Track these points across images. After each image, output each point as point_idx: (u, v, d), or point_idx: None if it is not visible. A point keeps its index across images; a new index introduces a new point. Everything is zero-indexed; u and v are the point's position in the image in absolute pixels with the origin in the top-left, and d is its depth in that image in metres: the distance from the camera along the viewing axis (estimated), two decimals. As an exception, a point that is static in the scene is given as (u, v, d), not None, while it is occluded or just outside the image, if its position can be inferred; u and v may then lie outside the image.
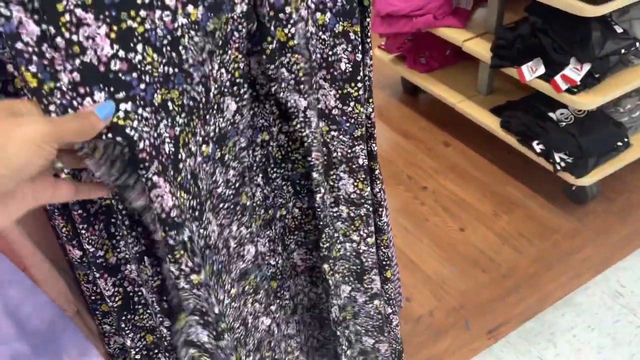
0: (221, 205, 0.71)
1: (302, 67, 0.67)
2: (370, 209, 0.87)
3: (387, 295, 0.99)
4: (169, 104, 0.57)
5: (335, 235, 0.86)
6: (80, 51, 0.49)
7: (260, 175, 0.76)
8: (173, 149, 0.58)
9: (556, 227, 1.90)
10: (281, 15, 0.62)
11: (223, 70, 0.64)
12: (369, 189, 0.84)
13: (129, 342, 0.74)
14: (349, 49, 0.71)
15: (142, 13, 0.51)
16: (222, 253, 0.73)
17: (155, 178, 0.55)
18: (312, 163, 0.73)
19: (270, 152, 0.76)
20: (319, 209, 0.78)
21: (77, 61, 0.49)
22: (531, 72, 1.79)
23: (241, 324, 0.81)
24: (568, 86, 1.69)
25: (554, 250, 1.83)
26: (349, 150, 0.80)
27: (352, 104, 0.75)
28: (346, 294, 0.92)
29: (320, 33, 0.69)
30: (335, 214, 0.85)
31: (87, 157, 0.52)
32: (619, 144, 1.82)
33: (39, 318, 0.64)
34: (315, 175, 0.74)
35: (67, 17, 0.48)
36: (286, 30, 0.64)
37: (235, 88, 0.67)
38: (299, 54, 0.66)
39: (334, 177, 0.82)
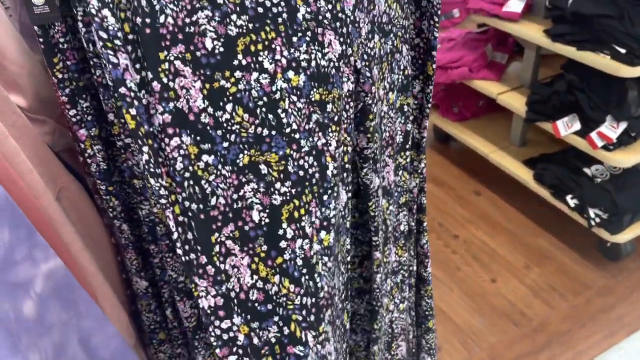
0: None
1: (378, 145, 0.70)
2: (407, 274, 0.88)
3: (428, 346, 1.00)
4: (262, 166, 0.57)
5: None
6: (175, 97, 0.54)
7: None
8: (268, 220, 0.58)
9: (589, 283, 1.89)
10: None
11: (341, 150, 0.62)
12: (407, 254, 0.87)
13: (200, 359, 0.76)
14: (402, 121, 0.75)
15: (237, 74, 0.55)
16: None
17: (229, 243, 0.58)
18: (375, 243, 0.75)
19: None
20: (377, 290, 0.79)
21: (171, 105, 0.54)
22: (567, 127, 1.81)
23: None
24: (604, 143, 1.71)
25: (587, 307, 1.81)
26: (395, 220, 0.82)
27: (401, 172, 0.78)
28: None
29: (390, 112, 0.73)
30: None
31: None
32: (655, 202, 1.82)
33: (107, 348, 0.67)
34: (377, 255, 0.75)
35: (166, 65, 0.53)
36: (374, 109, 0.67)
37: (345, 175, 0.64)
38: (377, 133, 0.69)
39: (387, 251, 0.83)
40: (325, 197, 0.60)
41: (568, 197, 1.89)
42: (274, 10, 0.55)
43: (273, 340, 0.61)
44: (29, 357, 0.55)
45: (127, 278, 0.76)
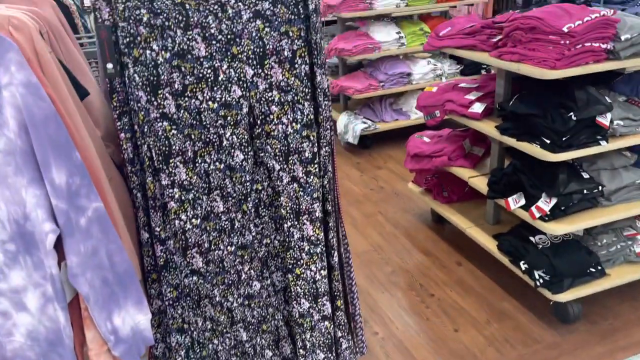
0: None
1: (279, 147, 1.24)
2: (324, 250, 1.36)
3: (338, 321, 1.43)
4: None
5: (300, 261, 1.35)
6: (163, 114, 1.12)
7: (254, 209, 1.30)
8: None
9: (539, 338, 2.18)
10: (267, 118, 1.21)
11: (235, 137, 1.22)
12: (322, 235, 1.35)
13: (164, 290, 1.25)
14: (310, 146, 1.28)
15: (186, 100, 1.13)
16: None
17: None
18: (282, 204, 1.26)
19: (261, 198, 1.30)
20: (288, 237, 1.29)
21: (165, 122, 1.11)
22: (515, 202, 2.23)
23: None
24: (540, 215, 2.11)
25: (533, 357, 2.10)
26: (310, 206, 1.32)
27: (311, 177, 1.30)
28: (305, 308, 1.38)
29: (297, 134, 1.27)
30: (301, 247, 1.35)
31: None
32: (592, 269, 2.15)
33: (121, 266, 1.18)
34: (283, 212, 1.27)
35: (160, 96, 1.11)
36: (271, 126, 1.22)
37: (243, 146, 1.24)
38: (277, 140, 1.23)
39: (301, 223, 1.34)
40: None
41: (521, 263, 2.26)
42: (207, 74, 1.13)
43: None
44: (80, 246, 1.08)
45: (137, 231, 1.29)
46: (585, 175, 2.15)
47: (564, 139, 2.01)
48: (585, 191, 2.09)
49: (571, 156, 2.04)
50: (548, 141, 2.06)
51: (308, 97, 1.24)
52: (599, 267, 2.17)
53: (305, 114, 1.25)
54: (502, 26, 2.22)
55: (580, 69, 2.00)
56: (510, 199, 2.25)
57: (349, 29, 4.37)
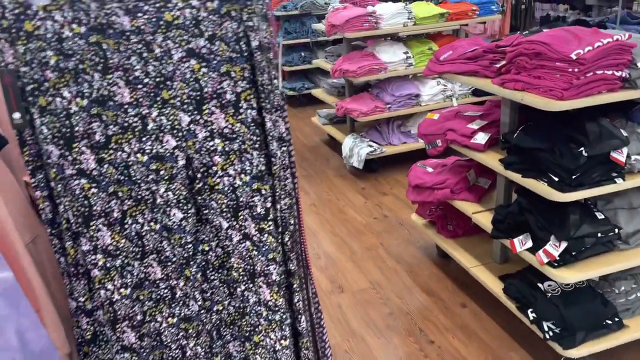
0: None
1: (226, 202, 1.07)
2: (284, 317, 1.18)
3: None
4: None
5: (258, 327, 1.17)
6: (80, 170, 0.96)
7: (200, 273, 1.13)
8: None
9: (549, 398, 1.95)
10: (210, 171, 1.05)
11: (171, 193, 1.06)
12: (281, 300, 1.17)
13: None
14: (263, 201, 1.10)
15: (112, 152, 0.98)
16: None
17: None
18: (233, 266, 1.09)
19: (209, 260, 1.13)
20: (243, 302, 1.11)
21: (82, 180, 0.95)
22: (521, 244, 2.02)
23: None
24: (548, 260, 1.89)
25: (541, 420, 1.87)
26: (265, 268, 1.15)
27: (265, 235, 1.12)
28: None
29: (246, 187, 1.09)
30: (258, 312, 1.17)
31: None
32: (609, 322, 1.91)
33: (37, 344, 1.02)
34: (235, 274, 1.10)
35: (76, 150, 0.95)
36: (215, 179, 1.05)
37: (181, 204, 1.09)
38: (223, 194, 1.06)
39: (257, 286, 1.16)
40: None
41: (529, 311, 2.03)
42: (133, 123, 0.97)
43: None
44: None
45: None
46: (600, 216, 1.92)
47: (573, 177, 1.80)
48: (599, 234, 1.86)
49: (582, 196, 1.82)
50: (556, 179, 1.84)
51: (257, 145, 1.07)
52: (616, 319, 1.93)
53: (255, 164, 1.08)
54: (505, 51, 2.02)
55: (591, 99, 1.79)
56: (516, 241, 2.03)
57: (355, 48, 4.21)
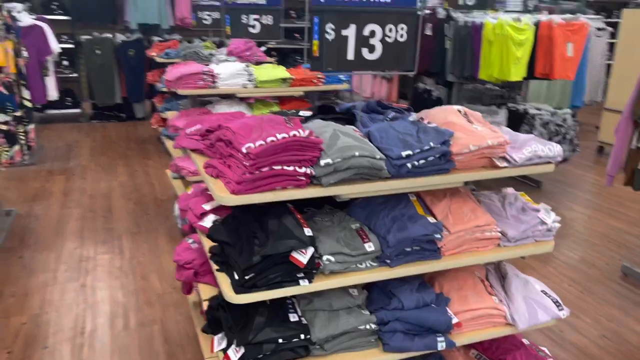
0: None
1: None
2: None
3: None
4: None
5: None
6: None
7: None
8: None
9: None
10: None
11: None
12: None
13: None
14: None
15: None
16: None
17: None
18: None
19: None
20: None
21: None
22: (219, 344, 1.85)
23: None
24: (236, 363, 1.72)
25: None
26: None
27: None
28: None
29: None
30: None
31: None
32: None
33: None
34: None
35: None
36: None
37: None
38: None
39: None
40: None
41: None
42: None
43: None
44: None
45: None
46: (294, 318, 1.78)
47: (246, 277, 1.66)
48: (280, 339, 1.71)
49: (256, 298, 1.67)
50: (236, 277, 1.70)
51: None
52: None
53: None
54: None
55: (271, 194, 1.67)
56: (216, 339, 1.87)
57: (204, 104, 4.10)
